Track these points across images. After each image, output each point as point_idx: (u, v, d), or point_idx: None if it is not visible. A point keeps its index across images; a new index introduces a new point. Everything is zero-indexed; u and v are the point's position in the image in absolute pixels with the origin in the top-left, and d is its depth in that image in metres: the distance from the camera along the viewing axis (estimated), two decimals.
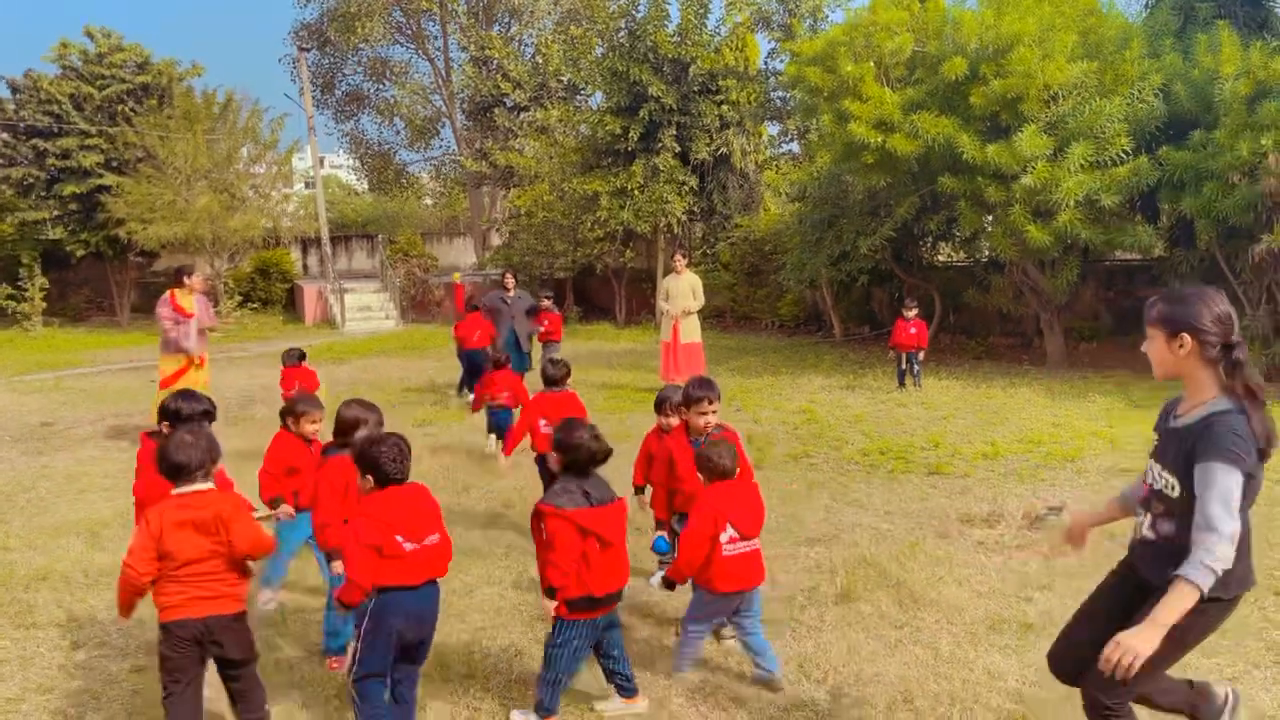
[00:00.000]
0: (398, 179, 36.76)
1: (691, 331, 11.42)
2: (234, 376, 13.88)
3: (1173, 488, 2.72)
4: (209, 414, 4.35)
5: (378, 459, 3.49)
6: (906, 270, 15.88)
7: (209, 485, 3.41)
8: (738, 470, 4.12)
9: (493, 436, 8.62)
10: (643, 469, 5.01)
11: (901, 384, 11.50)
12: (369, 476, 3.52)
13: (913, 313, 11.47)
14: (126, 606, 3.41)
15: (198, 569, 3.28)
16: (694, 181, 19.47)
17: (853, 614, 4.79)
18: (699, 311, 11.52)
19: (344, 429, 4.21)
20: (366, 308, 23.52)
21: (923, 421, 9.62)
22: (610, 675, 3.91)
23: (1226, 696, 3.04)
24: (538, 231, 22.06)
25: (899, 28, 12.59)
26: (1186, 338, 2.69)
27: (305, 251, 29.21)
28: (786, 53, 18.40)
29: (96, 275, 24.33)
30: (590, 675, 3.96)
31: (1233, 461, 2.53)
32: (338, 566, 3.92)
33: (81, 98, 22.19)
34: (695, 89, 19.16)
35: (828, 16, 19.44)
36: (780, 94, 20.18)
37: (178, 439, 3.41)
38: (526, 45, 30.77)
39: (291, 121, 56.21)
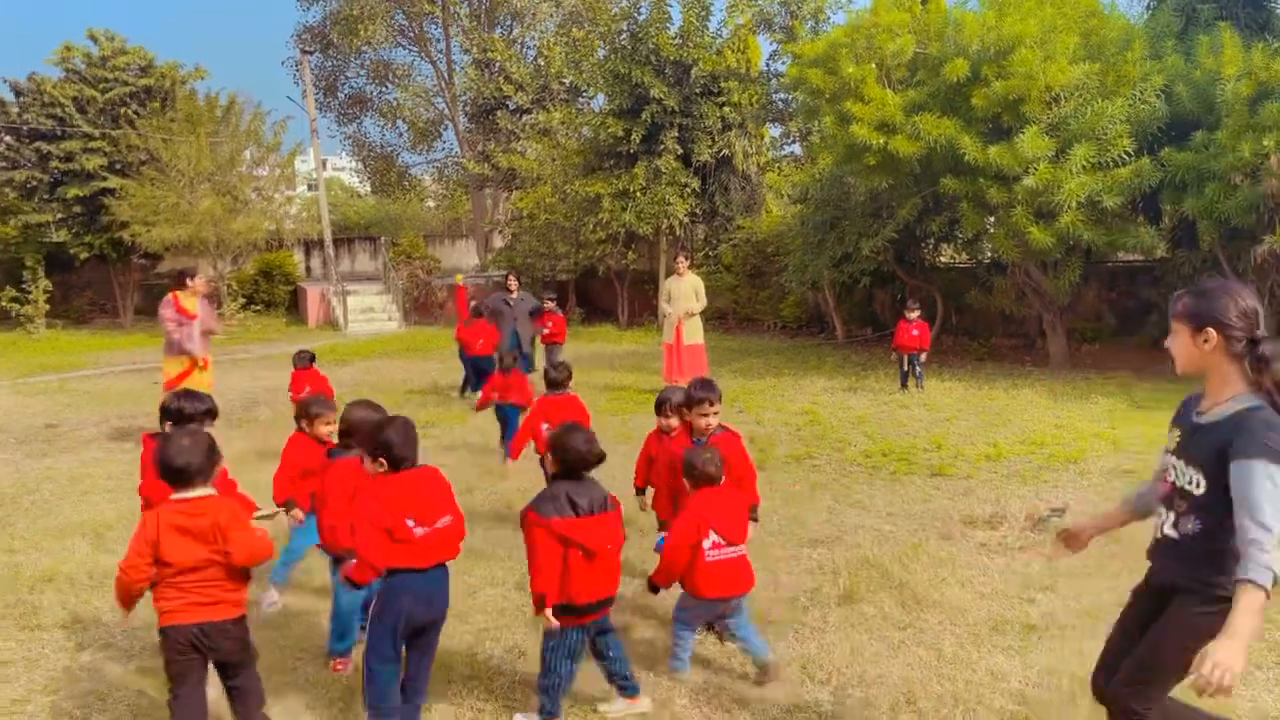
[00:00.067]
0: (400, 181, 36.81)
1: (694, 333, 11.44)
2: (237, 378, 13.90)
3: (1197, 484, 2.67)
4: (211, 412, 4.35)
5: (390, 442, 3.54)
6: (909, 272, 15.87)
7: (208, 491, 3.37)
8: (722, 477, 4.13)
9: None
10: (644, 470, 5.02)
11: (904, 385, 11.50)
12: (382, 460, 3.56)
13: (915, 314, 11.47)
14: (125, 606, 3.41)
15: (196, 575, 3.26)
16: (696, 183, 19.48)
17: (856, 615, 4.79)
18: (701, 313, 11.54)
19: (350, 431, 4.22)
20: (369, 310, 23.56)
21: (925, 423, 9.62)
22: (610, 677, 3.91)
23: None
24: (540, 234, 22.09)
25: (901, 29, 12.59)
26: (1212, 332, 2.65)
27: (308, 254, 29.27)
28: (788, 55, 18.40)
29: (100, 278, 24.39)
30: (595, 678, 3.97)
31: (1273, 458, 2.48)
32: (349, 568, 3.93)
33: (85, 101, 22.25)
34: (697, 91, 19.18)
35: (829, 18, 19.47)
36: (782, 96, 20.19)
37: (175, 443, 3.36)
38: (529, 48, 30.83)
39: (294, 124, 56.52)
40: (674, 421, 4.81)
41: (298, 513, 4.84)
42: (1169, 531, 2.79)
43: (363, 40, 30.33)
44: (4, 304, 21.66)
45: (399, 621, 3.50)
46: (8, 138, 22.65)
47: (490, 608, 5.03)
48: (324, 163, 29.39)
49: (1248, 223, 10.90)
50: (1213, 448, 2.62)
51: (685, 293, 11.41)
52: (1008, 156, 11.28)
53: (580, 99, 25.97)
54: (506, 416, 8.21)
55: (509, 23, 31.68)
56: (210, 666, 3.46)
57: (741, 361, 14.58)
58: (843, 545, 5.90)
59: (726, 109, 19.26)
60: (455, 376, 12.42)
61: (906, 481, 7.45)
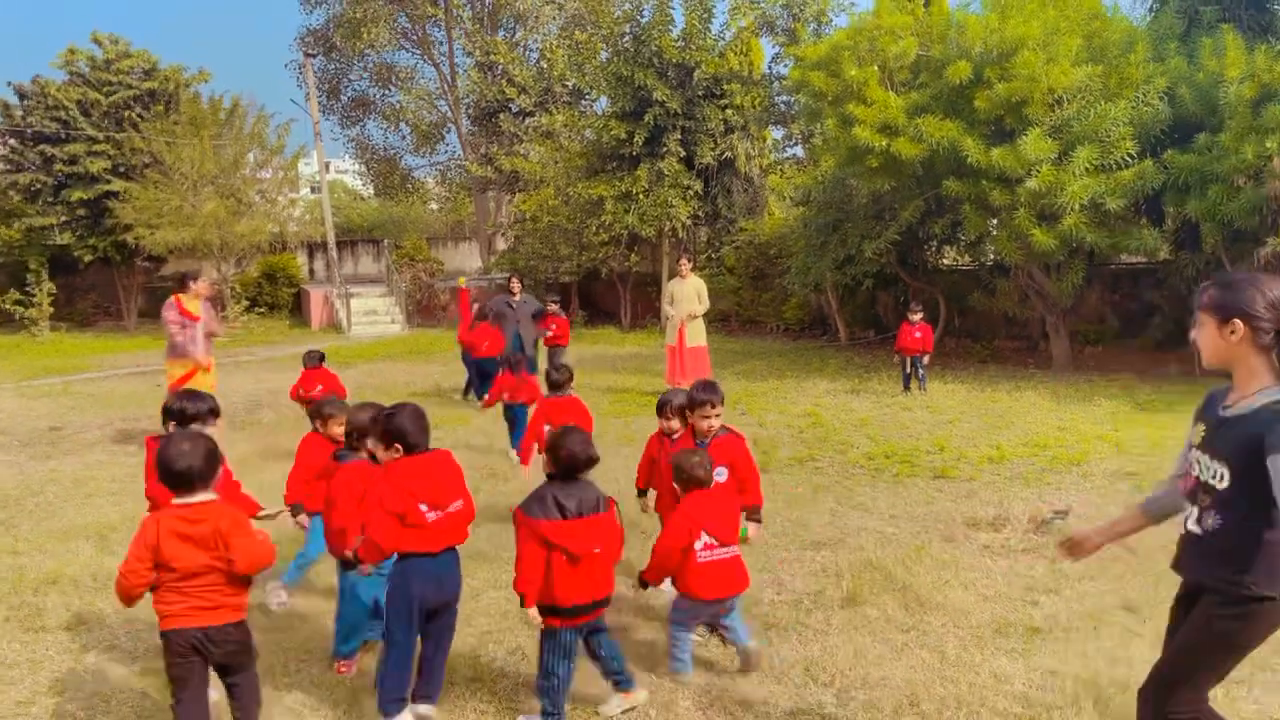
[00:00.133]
0: (403, 184, 36.88)
1: (697, 335, 11.44)
2: (240, 381, 13.91)
3: (1221, 478, 2.63)
4: (214, 411, 4.35)
5: (403, 428, 3.60)
6: (911, 274, 15.87)
7: (209, 496, 3.34)
8: (712, 480, 4.15)
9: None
10: (646, 473, 5.02)
11: (906, 388, 11.49)
12: (397, 446, 3.61)
13: (918, 316, 11.47)
14: (126, 605, 3.41)
15: (197, 581, 3.25)
16: (698, 186, 19.50)
17: (859, 618, 4.79)
18: (704, 315, 11.54)
19: (357, 432, 4.22)
20: (372, 312, 23.59)
21: (928, 425, 9.62)
22: (605, 674, 3.94)
23: None
24: (543, 236, 22.11)
25: (903, 32, 12.60)
26: (1239, 324, 2.61)
27: (311, 256, 29.31)
28: (790, 57, 18.41)
29: (104, 280, 24.43)
30: (595, 678, 3.97)
31: None
32: (365, 570, 3.94)
33: (89, 104, 22.30)
34: (700, 93, 19.20)
35: (832, 21, 19.48)
36: (784, 98, 20.20)
37: (175, 446, 3.32)
38: (531, 50, 30.87)
39: (298, 127, 56.53)
40: (676, 424, 4.81)
41: (303, 518, 4.84)
42: (1192, 527, 2.76)
43: (366, 43, 30.40)
44: (8, 307, 21.70)
45: (412, 605, 3.60)
46: (12, 141, 22.71)
47: (493, 610, 5.03)
48: (327, 165, 29.44)
49: (1251, 225, 10.89)
50: (1239, 441, 2.58)
51: (688, 295, 11.42)
52: (1010, 159, 11.28)
53: (583, 101, 26.01)
54: (516, 416, 8.25)
55: (512, 25, 31.74)
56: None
57: (744, 363, 14.58)
58: (846, 548, 5.90)
59: (729, 111, 19.28)
60: (458, 379, 12.43)
61: (909, 484, 7.45)
